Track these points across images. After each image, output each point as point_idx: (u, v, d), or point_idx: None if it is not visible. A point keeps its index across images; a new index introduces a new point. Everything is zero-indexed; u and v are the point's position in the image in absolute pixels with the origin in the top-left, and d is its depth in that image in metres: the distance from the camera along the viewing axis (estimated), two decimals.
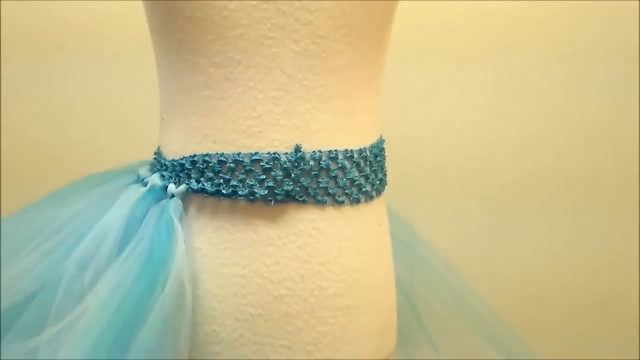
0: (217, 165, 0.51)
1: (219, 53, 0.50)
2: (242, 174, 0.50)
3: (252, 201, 0.50)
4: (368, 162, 0.54)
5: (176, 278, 0.48)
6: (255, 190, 0.50)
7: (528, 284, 1.11)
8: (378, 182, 0.56)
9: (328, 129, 0.52)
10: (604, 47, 1.06)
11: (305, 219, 0.51)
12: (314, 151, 0.51)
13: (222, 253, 0.51)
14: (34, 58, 1.03)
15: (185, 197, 0.53)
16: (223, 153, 0.50)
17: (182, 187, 0.52)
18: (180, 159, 0.53)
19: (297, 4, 0.48)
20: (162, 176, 0.55)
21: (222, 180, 0.50)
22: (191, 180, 0.52)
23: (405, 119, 1.05)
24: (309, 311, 0.51)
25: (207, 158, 0.51)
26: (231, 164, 0.50)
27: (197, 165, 0.51)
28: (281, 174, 0.50)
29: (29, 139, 1.04)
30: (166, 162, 0.54)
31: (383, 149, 0.58)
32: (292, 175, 0.50)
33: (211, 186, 0.51)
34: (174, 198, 0.52)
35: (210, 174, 0.51)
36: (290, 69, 0.49)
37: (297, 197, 0.51)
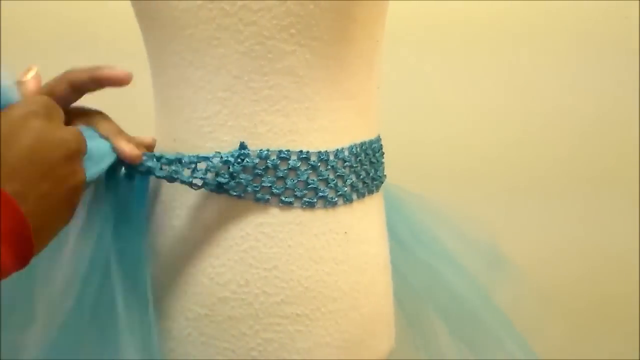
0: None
1: (175, 53, 0.51)
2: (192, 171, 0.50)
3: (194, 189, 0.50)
4: (330, 167, 0.52)
5: None
6: (192, 181, 0.49)
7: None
8: (346, 189, 0.53)
9: (279, 131, 0.50)
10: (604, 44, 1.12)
11: (253, 222, 0.50)
12: (261, 149, 0.50)
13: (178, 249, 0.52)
14: None
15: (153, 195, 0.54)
16: (178, 153, 0.51)
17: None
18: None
19: (239, 3, 0.47)
20: None
21: (172, 172, 0.50)
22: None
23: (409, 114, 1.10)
24: (253, 316, 0.50)
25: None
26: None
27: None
28: (221, 167, 0.49)
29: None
30: None
31: (363, 154, 0.55)
32: (230, 169, 0.49)
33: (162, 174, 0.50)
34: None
35: (166, 169, 0.50)
36: (237, 70, 0.49)
37: (231, 191, 0.49)
